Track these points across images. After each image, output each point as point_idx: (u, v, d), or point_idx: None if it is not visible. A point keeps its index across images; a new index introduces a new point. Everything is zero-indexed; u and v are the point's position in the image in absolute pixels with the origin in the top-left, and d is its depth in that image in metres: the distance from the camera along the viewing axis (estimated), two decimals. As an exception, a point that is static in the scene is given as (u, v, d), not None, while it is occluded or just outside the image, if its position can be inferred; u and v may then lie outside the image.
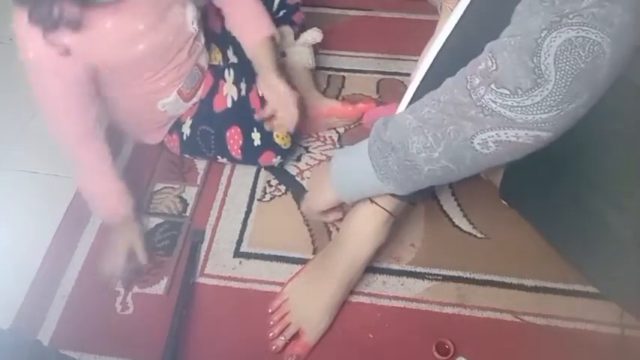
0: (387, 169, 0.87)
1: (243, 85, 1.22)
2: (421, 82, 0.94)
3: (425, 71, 0.93)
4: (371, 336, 1.05)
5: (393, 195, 0.95)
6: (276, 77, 1.19)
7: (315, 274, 1.07)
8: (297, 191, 1.24)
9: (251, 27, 1.24)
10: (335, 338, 1.05)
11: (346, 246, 1.04)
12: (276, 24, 1.29)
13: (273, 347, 1.04)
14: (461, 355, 1.01)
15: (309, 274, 1.08)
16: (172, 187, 1.28)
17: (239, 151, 1.20)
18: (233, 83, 1.23)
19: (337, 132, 1.33)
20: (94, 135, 1.10)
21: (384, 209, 1.00)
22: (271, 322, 1.06)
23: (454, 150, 0.78)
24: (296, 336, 1.04)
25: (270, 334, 1.05)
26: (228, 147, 1.21)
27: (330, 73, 1.43)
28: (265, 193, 1.25)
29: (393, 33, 1.51)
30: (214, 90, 1.24)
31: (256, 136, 1.19)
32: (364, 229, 1.02)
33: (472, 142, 0.76)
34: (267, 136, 1.19)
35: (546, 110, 0.70)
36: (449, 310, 1.07)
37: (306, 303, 1.05)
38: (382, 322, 1.07)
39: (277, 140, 1.19)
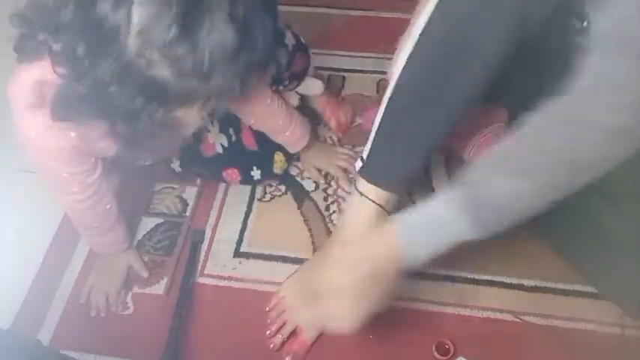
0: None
1: (231, 132, 1.18)
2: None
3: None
4: (371, 336, 1.05)
5: (383, 188, 0.96)
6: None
7: (311, 272, 1.06)
8: (297, 191, 1.24)
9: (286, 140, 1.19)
10: (335, 338, 1.05)
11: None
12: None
13: (271, 345, 1.04)
14: (461, 355, 1.01)
15: (306, 272, 1.08)
16: (172, 187, 1.28)
17: (238, 182, 1.22)
18: (220, 132, 1.18)
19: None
20: (103, 192, 1.03)
21: (375, 203, 0.99)
22: (268, 321, 1.06)
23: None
24: (293, 334, 1.04)
25: (268, 332, 1.05)
26: (227, 180, 1.22)
27: (330, 73, 1.43)
28: (265, 193, 1.25)
29: (393, 33, 1.50)
30: (198, 139, 1.16)
31: (256, 173, 1.19)
32: (357, 225, 1.00)
33: None
34: (267, 170, 1.20)
35: None
36: (449, 310, 1.07)
37: (303, 302, 1.05)
38: (382, 322, 1.07)
39: (277, 171, 1.21)
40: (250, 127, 1.17)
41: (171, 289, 1.13)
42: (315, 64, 1.39)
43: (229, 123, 1.18)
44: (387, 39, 1.49)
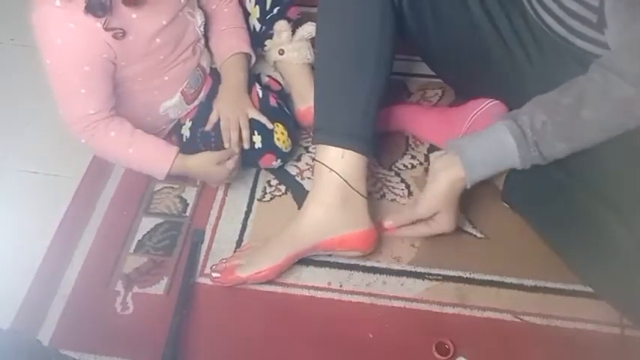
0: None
1: None
2: None
3: None
4: (371, 336, 1.05)
5: (338, 146, 1.06)
6: (230, 97, 1.21)
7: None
8: (297, 191, 1.24)
9: (227, 41, 1.26)
10: (335, 338, 1.05)
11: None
12: (272, 20, 1.32)
13: (214, 274, 1.11)
14: (461, 355, 1.01)
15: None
16: (172, 187, 1.28)
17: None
18: None
19: (337, 132, 1.33)
20: (113, 113, 1.13)
21: (337, 173, 1.06)
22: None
23: None
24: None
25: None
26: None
27: (330, 73, 1.43)
28: (265, 193, 1.25)
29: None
30: (213, 93, 1.25)
31: (257, 139, 1.19)
32: (324, 198, 1.08)
33: None
34: (267, 139, 1.20)
35: None
36: (449, 310, 1.07)
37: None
38: (382, 322, 1.07)
39: (278, 143, 1.20)
40: (269, 89, 1.25)
41: (171, 289, 1.13)
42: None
43: None
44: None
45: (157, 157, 1.16)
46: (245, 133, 1.18)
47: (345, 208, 1.07)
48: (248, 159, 1.21)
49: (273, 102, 1.25)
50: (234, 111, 1.19)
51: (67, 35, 1.05)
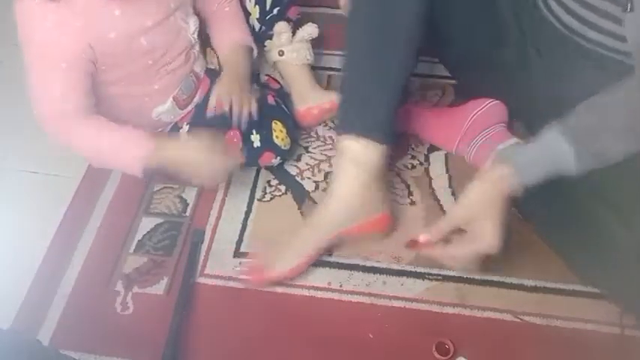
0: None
1: None
2: None
3: None
4: (371, 336, 1.05)
5: (362, 136, 1.05)
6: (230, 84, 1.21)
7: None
8: (297, 191, 1.24)
9: (230, 35, 1.27)
10: (335, 338, 1.05)
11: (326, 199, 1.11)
12: (271, 21, 1.32)
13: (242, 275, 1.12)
14: (461, 355, 1.01)
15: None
16: (172, 187, 1.28)
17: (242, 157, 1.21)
18: None
19: (337, 132, 1.33)
20: (91, 111, 1.12)
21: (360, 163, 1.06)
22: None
23: None
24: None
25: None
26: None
27: (330, 73, 1.43)
28: (265, 193, 1.25)
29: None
30: (208, 95, 1.24)
31: (256, 138, 1.19)
32: (345, 187, 1.08)
33: None
34: (266, 137, 1.20)
35: None
36: (449, 310, 1.07)
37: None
38: (382, 322, 1.07)
39: (277, 141, 1.20)
40: (268, 88, 1.27)
41: (171, 289, 1.13)
42: (316, 64, 1.40)
43: None
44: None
45: (129, 147, 1.11)
46: (253, 107, 1.19)
47: (366, 196, 1.08)
48: (248, 158, 1.21)
49: (271, 100, 1.25)
50: (235, 91, 1.19)
51: (45, 31, 1.04)
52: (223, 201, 1.25)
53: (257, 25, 1.33)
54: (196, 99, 1.25)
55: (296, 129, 1.29)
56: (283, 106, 1.27)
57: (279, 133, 1.21)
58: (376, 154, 1.07)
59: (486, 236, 0.92)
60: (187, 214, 1.24)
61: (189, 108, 1.25)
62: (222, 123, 1.20)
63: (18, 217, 1.25)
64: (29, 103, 1.11)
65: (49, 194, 1.29)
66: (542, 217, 1.07)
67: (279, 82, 1.34)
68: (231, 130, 1.20)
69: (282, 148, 1.21)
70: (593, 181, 0.96)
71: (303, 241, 1.10)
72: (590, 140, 0.87)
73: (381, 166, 1.08)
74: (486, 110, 1.19)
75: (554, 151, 0.88)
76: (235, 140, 1.19)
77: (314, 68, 1.39)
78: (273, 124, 1.21)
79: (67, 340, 1.08)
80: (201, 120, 1.22)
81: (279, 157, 1.22)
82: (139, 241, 1.20)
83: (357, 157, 1.06)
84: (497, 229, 0.91)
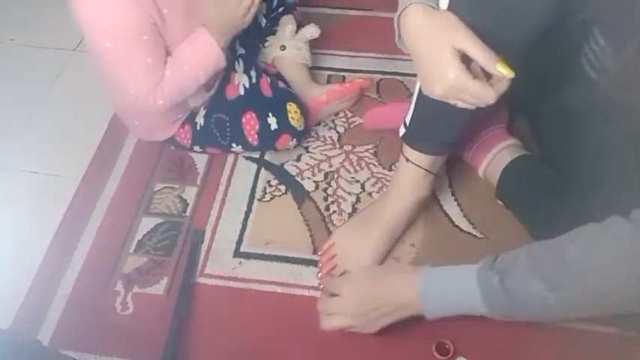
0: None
1: (253, 73, 1.26)
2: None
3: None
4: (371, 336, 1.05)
5: (425, 153, 1.05)
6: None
7: (361, 221, 1.14)
8: (297, 191, 1.24)
9: None
10: (335, 338, 1.05)
11: (390, 198, 1.12)
12: (276, 18, 1.34)
13: (320, 286, 1.10)
14: (461, 355, 1.01)
15: (357, 221, 1.16)
16: (172, 187, 1.28)
17: (256, 136, 1.21)
18: (243, 72, 1.27)
19: (337, 132, 1.33)
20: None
21: (420, 167, 1.07)
22: (320, 264, 1.13)
23: None
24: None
25: (319, 275, 1.12)
26: (245, 132, 1.21)
27: (330, 73, 1.43)
28: (265, 193, 1.25)
29: (393, 33, 1.51)
30: (225, 80, 1.26)
31: (272, 121, 1.20)
32: (404, 183, 1.10)
33: None
34: (283, 120, 1.21)
35: None
36: (449, 310, 1.07)
37: (353, 247, 1.11)
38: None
39: (293, 122, 1.21)
40: (267, 73, 1.27)
41: (171, 289, 1.13)
42: (315, 64, 1.40)
43: (252, 64, 1.29)
44: (387, 39, 1.49)
45: (204, 50, 1.14)
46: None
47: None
48: (265, 141, 1.22)
49: (281, 84, 1.27)
50: None
51: (116, 12, 1.04)
52: (223, 201, 1.25)
53: (263, 21, 1.35)
54: (217, 83, 1.26)
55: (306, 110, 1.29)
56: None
57: (294, 115, 1.21)
58: (438, 161, 1.09)
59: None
60: (187, 214, 1.24)
61: (212, 92, 1.26)
62: (239, 105, 1.22)
63: (18, 217, 1.25)
64: (30, 104, 1.11)
65: (49, 194, 1.29)
66: (534, 214, 1.08)
67: (275, 69, 1.36)
68: (248, 112, 1.21)
69: (298, 129, 1.22)
70: (585, 180, 0.96)
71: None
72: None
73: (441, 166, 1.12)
74: (487, 114, 1.19)
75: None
76: (252, 122, 1.21)
77: (314, 68, 1.40)
78: (288, 106, 1.22)
79: (67, 340, 1.08)
80: (218, 103, 1.24)
81: (295, 139, 1.23)
82: (139, 241, 1.20)
83: (420, 163, 1.08)
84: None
